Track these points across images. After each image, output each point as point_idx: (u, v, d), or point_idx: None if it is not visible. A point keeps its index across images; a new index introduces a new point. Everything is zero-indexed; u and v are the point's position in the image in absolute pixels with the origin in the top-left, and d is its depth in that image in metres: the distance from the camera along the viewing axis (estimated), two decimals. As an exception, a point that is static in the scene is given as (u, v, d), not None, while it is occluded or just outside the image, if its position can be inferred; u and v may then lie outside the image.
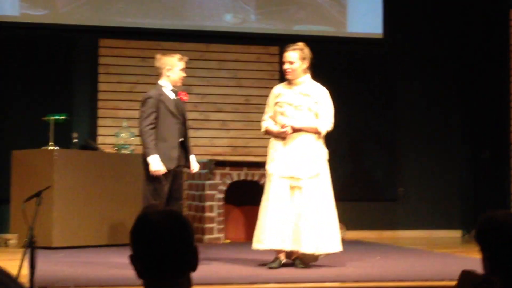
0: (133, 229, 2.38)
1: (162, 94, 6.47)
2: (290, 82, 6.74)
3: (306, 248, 6.22)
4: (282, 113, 6.63)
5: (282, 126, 6.50)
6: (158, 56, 6.65)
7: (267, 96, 10.35)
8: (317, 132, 6.63)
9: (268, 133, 6.68)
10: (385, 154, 10.75)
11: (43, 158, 8.22)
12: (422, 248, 8.45)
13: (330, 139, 10.56)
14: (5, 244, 8.65)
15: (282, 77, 10.52)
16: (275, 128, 6.59)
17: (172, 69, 6.51)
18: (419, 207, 10.76)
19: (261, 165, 9.69)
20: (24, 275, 4.93)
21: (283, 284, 5.35)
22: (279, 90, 6.80)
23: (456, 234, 10.68)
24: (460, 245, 9.56)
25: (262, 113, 10.29)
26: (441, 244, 9.01)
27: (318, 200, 6.44)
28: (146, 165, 6.32)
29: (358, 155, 10.77)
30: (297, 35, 10.62)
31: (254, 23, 10.53)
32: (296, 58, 6.80)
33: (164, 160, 6.29)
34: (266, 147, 10.27)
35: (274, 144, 6.60)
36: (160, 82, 6.56)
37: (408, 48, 10.92)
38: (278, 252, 6.39)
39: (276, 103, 6.73)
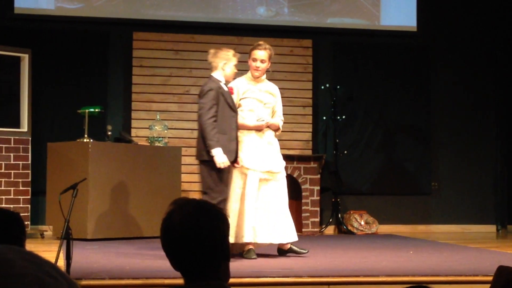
0: (162, 223, 2.39)
1: (220, 87, 6.53)
2: (254, 79, 6.87)
3: (292, 238, 6.65)
4: (251, 110, 6.74)
5: (258, 120, 6.68)
6: (213, 50, 6.74)
7: (300, 89, 10.45)
8: (278, 129, 6.93)
9: (240, 127, 6.63)
10: (419, 147, 10.69)
11: (78, 150, 8.29)
12: (456, 242, 8.40)
13: (364, 132, 10.60)
14: (41, 235, 8.75)
15: (316, 69, 10.55)
16: (249, 122, 6.68)
17: (227, 63, 6.62)
18: (453, 201, 10.68)
19: (294, 158, 9.70)
20: (60, 267, 4.97)
21: (316, 278, 5.34)
22: (244, 85, 6.85)
23: (491, 229, 10.60)
24: (495, 240, 9.48)
25: (296, 106, 10.37)
26: (475, 238, 8.94)
27: (285, 192, 6.76)
28: (203, 156, 6.39)
29: (392, 148, 10.71)
30: (330, 27, 10.62)
31: (287, 16, 10.52)
32: (267, 57, 6.95)
33: (224, 152, 6.34)
34: (299, 140, 10.34)
35: (245, 139, 6.66)
36: (214, 75, 6.60)
37: (442, 41, 10.84)
38: (253, 244, 6.64)
39: (242, 99, 6.79)
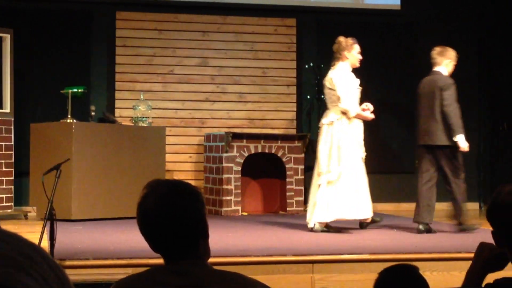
0: (138, 207, 2.39)
1: None
2: (352, 70, 7.41)
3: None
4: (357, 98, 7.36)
5: (365, 109, 7.31)
6: (439, 48, 7.53)
7: (284, 68, 10.44)
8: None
9: (356, 116, 7.25)
10: (403, 125, 10.72)
11: (61, 131, 8.26)
12: (439, 220, 8.44)
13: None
14: (25, 216, 8.73)
15: (300, 48, 10.53)
16: (365, 113, 7.31)
17: (451, 62, 7.51)
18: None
19: (278, 138, 9.73)
20: (44, 247, 4.97)
21: (300, 257, 5.37)
22: (351, 75, 7.39)
23: (474, 206, 10.65)
24: (478, 217, 9.53)
25: (280, 85, 10.36)
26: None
27: None
28: (443, 141, 7.21)
29: (376, 127, 10.72)
30: (314, 6, 10.60)
31: (271, -5, 10.48)
32: None
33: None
34: (283, 119, 10.34)
35: (350, 128, 7.21)
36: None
37: (425, 19, 10.84)
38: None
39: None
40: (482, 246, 2.88)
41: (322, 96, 10.28)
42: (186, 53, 10.15)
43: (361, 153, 7.28)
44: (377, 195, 10.52)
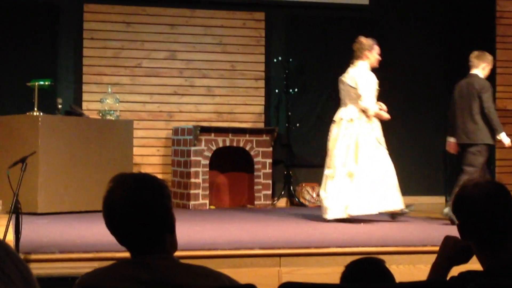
0: (104, 202, 2.38)
1: None
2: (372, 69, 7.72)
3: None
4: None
5: (381, 109, 7.68)
6: (477, 52, 7.85)
7: (252, 62, 10.43)
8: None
9: (374, 115, 7.61)
10: (370, 120, 10.76)
11: (27, 123, 8.18)
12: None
13: (316, 105, 10.63)
14: (-10, 210, 8.64)
15: (268, 42, 10.53)
16: (382, 112, 7.66)
17: (488, 66, 7.83)
18: (403, 173, 10.74)
19: (246, 131, 9.73)
20: (9, 241, 4.93)
21: (267, 250, 5.38)
22: (372, 75, 7.68)
23: (440, 200, 10.74)
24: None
25: (248, 79, 10.36)
26: (424, 210, 9.05)
27: None
28: (486, 140, 7.64)
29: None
30: (284, 1, 10.61)
31: (239, -11, 10.46)
32: None
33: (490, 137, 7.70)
34: (251, 113, 10.34)
35: (368, 125, 7.59)
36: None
37: (393, 14, 10.90)
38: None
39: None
40: (447, 239, 2.91)
41: (290, 90, 10.31)
42: (154, 46, 10.11)
43: (383, 149, 7.62)
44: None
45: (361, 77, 7.62)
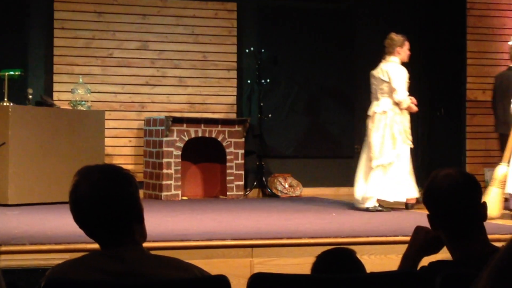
0: (70, 195, 2.36)
1: None
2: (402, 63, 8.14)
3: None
4: None
5: (413, 102, 8.05)
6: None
7: (224, 52, 10.42)
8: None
9: (407, 108, 8.00)
10: (343, 111, 10.81)
11: (-3, 114, 8.10)
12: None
13: (288, 96, 10.64)
14: (-40, 201, 8.55)
15: (240, 32, 10.51)
16: (413, 106, 8.04)
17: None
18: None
19: (218, 122, 9.72)
20: (-21, 233, 4.88)
21: (239, 241, 5.38)
22: (404, 69, 8.08)
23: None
24: (415, 202, 9.67)
25: (220, 69, 10.34)
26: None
27: None
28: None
29: (316, 112, 10.81)
30: (255, -9, 10.57)
31: (212, -21, 10.42)
32: None
33: None
34: (224, 104, 10.32)
35: (400, 117, 7.97)
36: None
37: (366, 5, 10.92)
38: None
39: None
40: (418, 229, 2.93)
41: (263, 81, 10.31)
42: (125, 36, 10.05)
43: (409, 141, 8.00)
44: (316, 180, 10.63)
45: (394, 72, 8.01)
